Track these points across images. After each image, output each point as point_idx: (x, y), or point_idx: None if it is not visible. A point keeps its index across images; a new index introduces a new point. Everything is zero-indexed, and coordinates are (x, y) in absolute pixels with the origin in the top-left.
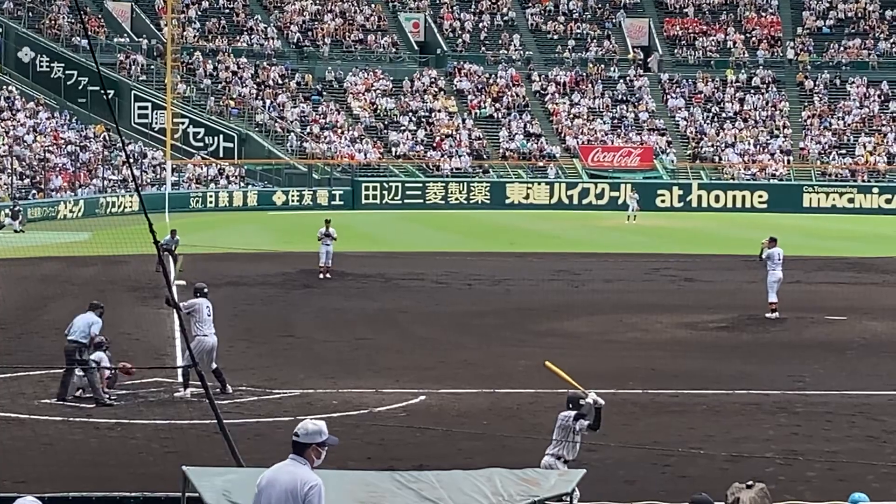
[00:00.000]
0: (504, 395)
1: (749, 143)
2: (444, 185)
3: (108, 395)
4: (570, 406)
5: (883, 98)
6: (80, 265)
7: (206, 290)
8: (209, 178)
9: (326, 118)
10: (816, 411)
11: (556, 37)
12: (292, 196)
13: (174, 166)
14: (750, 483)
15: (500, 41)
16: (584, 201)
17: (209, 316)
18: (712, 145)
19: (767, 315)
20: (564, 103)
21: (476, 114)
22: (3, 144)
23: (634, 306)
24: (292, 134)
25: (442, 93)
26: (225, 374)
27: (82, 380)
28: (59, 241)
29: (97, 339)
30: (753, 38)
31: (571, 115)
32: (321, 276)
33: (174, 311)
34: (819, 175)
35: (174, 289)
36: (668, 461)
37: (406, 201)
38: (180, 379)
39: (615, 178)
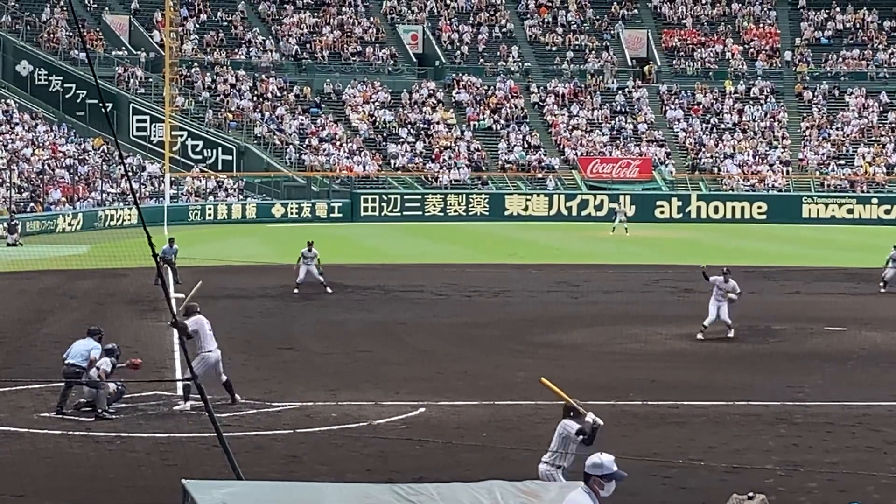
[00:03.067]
0: (503, 406)
1: (748, 154)
2: (443, 197)
3: (108, 410)
4: (572, 415)
5: (882, 108)
6: (79, 278)
7: (198, 308)
8: (208, 190)
9: (325, 130)
10: (816, 422)
11: (554, 48)
12: (291, 208)
13: (173, 179)
14: (751, 494)
15: (498, 53)
16: (584, 213)
17: (210, 331)
18: (711, 156)
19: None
20: (563, 115)
21: (475, 126)
22: (2, 158)
23: (634, 317)
24: (291, 146)
25: (440, 105)
26: (215, 387)
27: (91, 393)
28: (57, 255)
29: (109, 346)
30: (752, 49)
31: (570, 127)
32: (295, 290)
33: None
34: (818, 186)
35: (173, 302)
36: (669, 473)
37: (405, 213)
38: (180, 392)
39: (614, 190)
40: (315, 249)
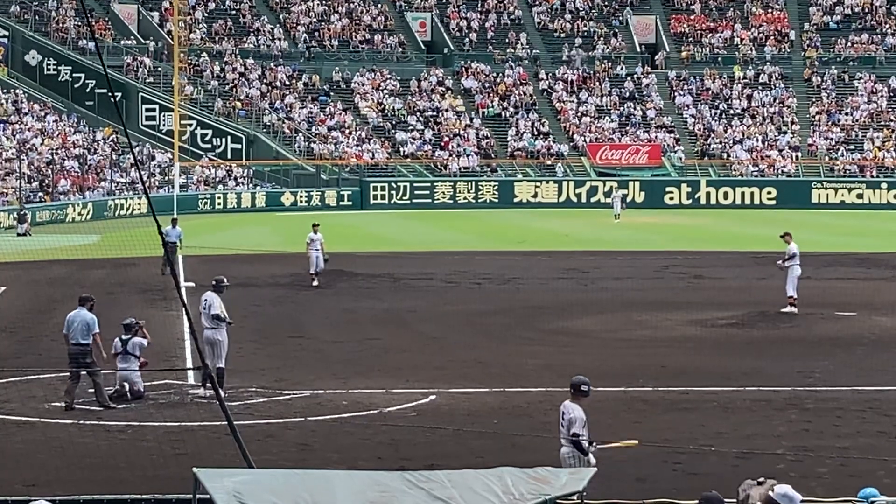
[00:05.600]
0: (514, 393)
1: (757, 140)
2: (452, 184)
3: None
4: (573, 392)
5: (891, 93)
6: (89, 268)
7: (214, 283)
8: (217, 179)
9: (334, 119)
10: (827, 407)
11: (562, 35)
12: (300, 197)
13: (182, 168)
14: (761, 479)
15: (506, 40)
16: (593, 199)
17: (204, 310)
18: (720, 142)
19: (786, 310)
20: (572, 101)
21: (484, 113)
22: (11, 148)
23: (644, 304)
24: (300, 135)
25: (449, 92)
26: (227, 376)
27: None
28: (67, 244)
29: (127, 321)
30: (760, 35)
31: (579, 114)
32: (314, 283)
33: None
34: (828, 171)
35: (183, 290)
36: (679, 459)
37: (414, 201)
38: (191, 380)
39: (623, 176)
40: (320, 233)
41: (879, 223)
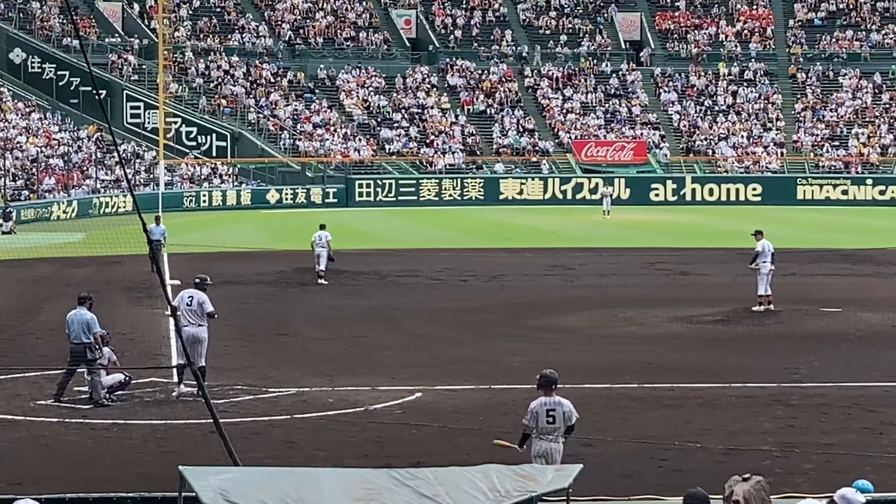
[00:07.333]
0: (500, 390)
1: (742, 136)
2: (437, 181)
3: (107, 397)
4: (554, 387)
5: (875, 89)
6: (74, 266)
7: (199, 281)
8: (202, 177)
9: (319, 116)
10: (812, 403)
11: (548, 32)
12: (286, 194)
13: (167, 166)
14: (746, 476)
15: (491, 37)
16: (578, 196)
17: (188, 306)
18: (705, 139)
19: (757, 308)
20: (557, 98)
21: (469, 110)
22: None
23: (629, 300)
24: (285, 132)
25: (434, 89)
26: (213, 374)
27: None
28: (52, 242)
29: (100, 333)
30: (745, 31)
31: (564, 111)
32: (321, 280)
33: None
34: (812, 167)
35: (168, 288)
36: (665, 455)
37: (400, 198)
38: (175, 378)
39: (609, 173)
40: (326, 232)
41: (864, 219)
